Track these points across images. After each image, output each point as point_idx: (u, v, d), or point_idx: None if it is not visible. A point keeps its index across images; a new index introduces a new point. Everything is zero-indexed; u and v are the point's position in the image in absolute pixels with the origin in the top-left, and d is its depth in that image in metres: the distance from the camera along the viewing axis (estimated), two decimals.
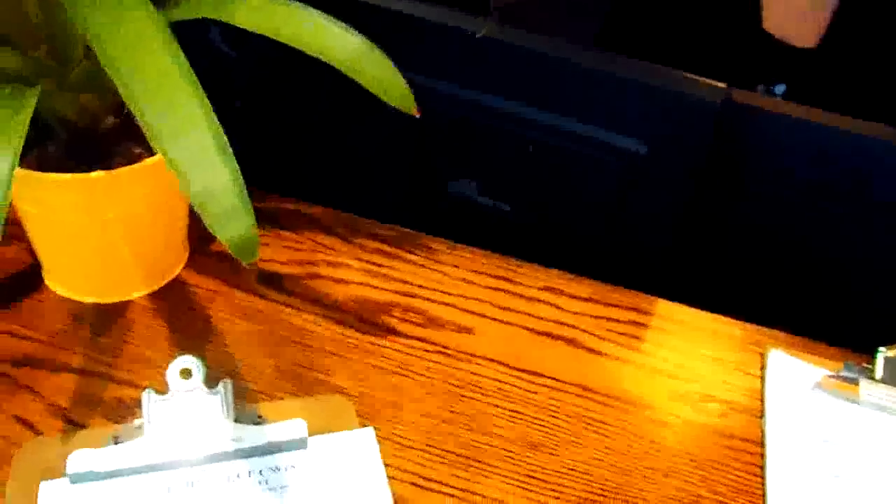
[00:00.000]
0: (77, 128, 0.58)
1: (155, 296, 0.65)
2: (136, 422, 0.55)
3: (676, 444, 0.58)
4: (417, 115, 0.55)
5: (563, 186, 0.74)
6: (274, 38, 0.47)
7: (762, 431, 0.59)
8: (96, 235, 0.59)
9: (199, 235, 0.68)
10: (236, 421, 0.55)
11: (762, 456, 0.57)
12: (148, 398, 0.54)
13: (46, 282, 0.65)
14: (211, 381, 0.54)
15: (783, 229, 0.70)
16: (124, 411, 0.57)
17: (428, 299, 0.66)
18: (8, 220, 0.69)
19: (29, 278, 0.65)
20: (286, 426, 0.55)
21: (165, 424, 0.54)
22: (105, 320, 0.63)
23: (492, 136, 0.74)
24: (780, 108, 0.68)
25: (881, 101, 0.98)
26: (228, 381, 0.55)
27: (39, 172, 0.56)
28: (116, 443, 0.54)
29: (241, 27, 0.43)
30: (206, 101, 0.39)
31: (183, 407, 0.54)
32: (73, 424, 0.56)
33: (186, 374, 0.55)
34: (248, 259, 0.39)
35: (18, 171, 0.56)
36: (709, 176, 0.68)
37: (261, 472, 0.54)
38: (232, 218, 0.39)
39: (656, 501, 0.54)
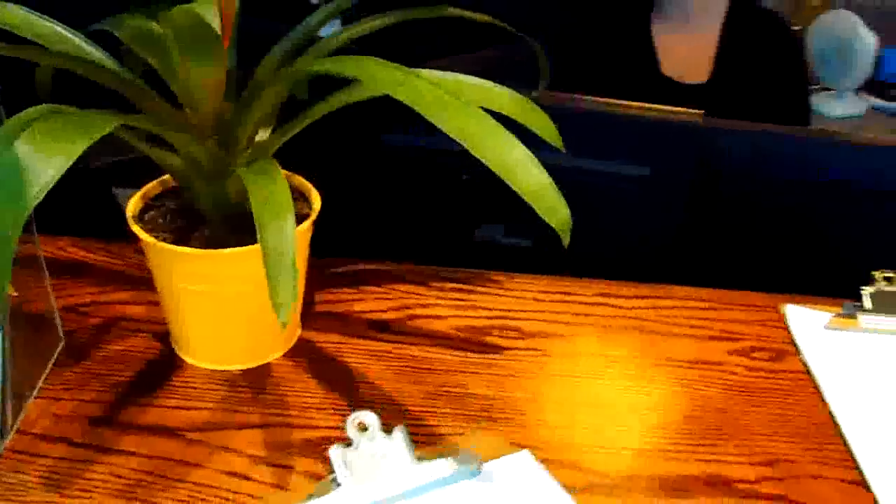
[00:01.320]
0: (229, 207, 0.65)
1: (289, 355, 0.72)
2: (329, 476, 0.61)
3: (750, 384, 0.73)
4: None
5: (580, 215, 0.88)
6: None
7: (803, 363, 0.75)
8: (255, 304, 0.66)
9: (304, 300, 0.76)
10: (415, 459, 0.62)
11: (812, 380, 0.73)
12: (337, 453, 0.61)
13: (188, 359, 0.70)
14: (385, 427, 0.62)
15: (760, 215, 0.88)
16: (316, 449, 0.63)
17: (516, 318, 0.78)
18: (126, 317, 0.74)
19: (168, 361, 0.70)
20: (461, 457, 0.63)
21: (357, 473, 0.61)
22: (258, 382, 0.69)
23: None
24: (738, 125, 0.87)
25: (769, 117, 1.23)
26: (403, 426, 0.63)
27: (213, 250, 0.63)
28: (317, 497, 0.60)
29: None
30: (511, 134, 0.52)
31: (368, 455, 0.61)
32: (279, 467, 0.62)
33: (363, 426, 0.62)
34: (568, 237, 0.51)
35: (193, 251, 0.64)
36: (699, 184, 0.86)
37: (451, 501, 0.61)
38: (556, 207, 0.53)
39: (764, 428, 0.68)
